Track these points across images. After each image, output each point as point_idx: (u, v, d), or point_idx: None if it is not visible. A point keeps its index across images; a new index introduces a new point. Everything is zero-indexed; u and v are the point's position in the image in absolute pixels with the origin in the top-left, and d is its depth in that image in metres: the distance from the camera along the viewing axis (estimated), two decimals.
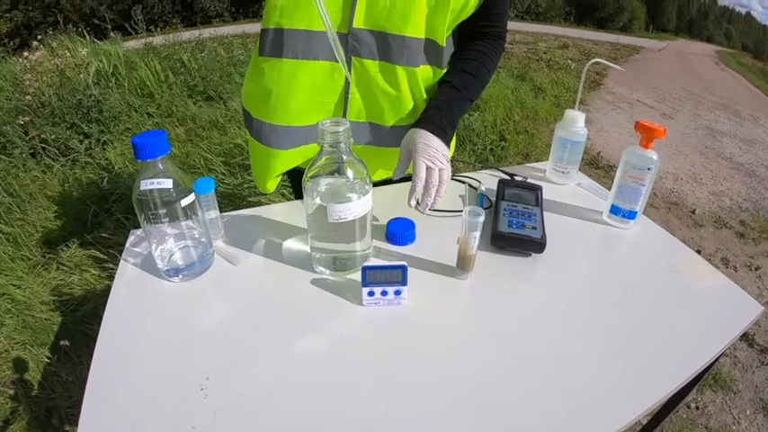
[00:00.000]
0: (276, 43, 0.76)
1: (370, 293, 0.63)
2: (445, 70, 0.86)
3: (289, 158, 0.87)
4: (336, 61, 0.75)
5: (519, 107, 4.12)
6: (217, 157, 2.63)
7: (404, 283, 0.62)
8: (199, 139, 2.89)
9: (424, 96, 0.85)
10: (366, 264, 0.62)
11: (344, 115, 0.82)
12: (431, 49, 0.80)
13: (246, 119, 0.90)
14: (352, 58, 0.77)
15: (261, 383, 0.52)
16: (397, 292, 0.63)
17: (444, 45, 0.81)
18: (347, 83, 0.79)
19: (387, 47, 0.76)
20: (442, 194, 0.76)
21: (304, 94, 0.79)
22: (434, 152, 0.75)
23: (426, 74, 0.83)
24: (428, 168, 0.75)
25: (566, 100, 4.69)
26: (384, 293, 0.63)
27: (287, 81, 0.78)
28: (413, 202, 0.76)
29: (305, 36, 0.74)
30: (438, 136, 0.77)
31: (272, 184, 0.92)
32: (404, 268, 0.61)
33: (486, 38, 0.87)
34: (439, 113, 0.81)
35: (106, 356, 0.55)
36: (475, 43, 0.87)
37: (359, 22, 0.73)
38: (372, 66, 0.77)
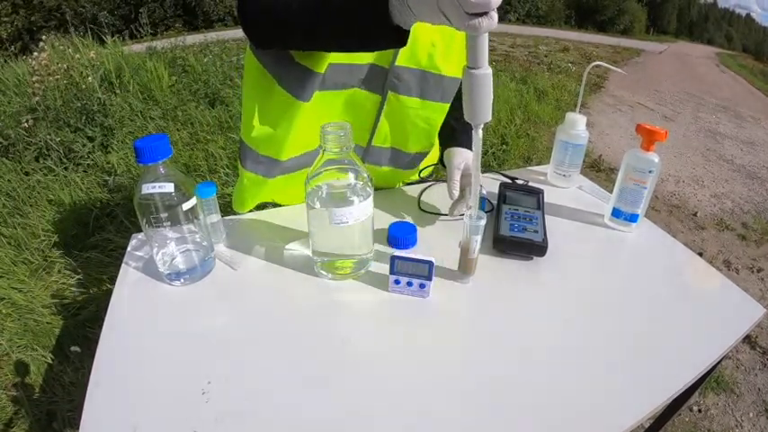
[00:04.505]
0: (320, 80, 0.71)
1: (397, 282, 0.65)
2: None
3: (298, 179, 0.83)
4: (371, 91, 0.76)
5: (520, 110, 4.13)
6: (220, 160, 2.64)
7: (429, 278, 0.63)
8: (202, 143, 2.89)
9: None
10: (396, 253, 0.63)
11: (370, 141, 0.83)
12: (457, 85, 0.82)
13: (258, 163, 0.81)
14: (389, 92, 0.77)
15: (262, 387, 0.52)
16: (422, 286, 0.64)
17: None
18: (379, 112, 0.79)
19: (425, 84, 0.78)
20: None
21: (337, 117, 0.78)
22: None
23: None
24: None
25: (567, 103, 4.69)
26: (409, 284, 0.65)
27: (324, 110, 0.76)
28: (458, 213, 0.81)
29: (348, 70, 0.73)
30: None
31: (252, 205, 0.88)
32: (430, 264, 0.62)
33: None
34: (466, 128, 0.83)
35: (107, 360, 0.55)
36: None
37: (402, 59, 0.74)
38: (408, 101, 0.79)
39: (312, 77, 0.69)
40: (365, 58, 0.72)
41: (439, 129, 0.87)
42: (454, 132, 0.87)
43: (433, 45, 0.73)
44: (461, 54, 0.74)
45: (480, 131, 0.57)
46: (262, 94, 0.75)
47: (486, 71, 0.50)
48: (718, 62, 12.96)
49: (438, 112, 0.83)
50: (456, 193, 0.80)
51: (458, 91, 0.83)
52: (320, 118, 0.73)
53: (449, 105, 0.84)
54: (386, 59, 0.73)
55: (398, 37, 0.52)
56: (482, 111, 0.53)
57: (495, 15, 0.44)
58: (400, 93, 0.77)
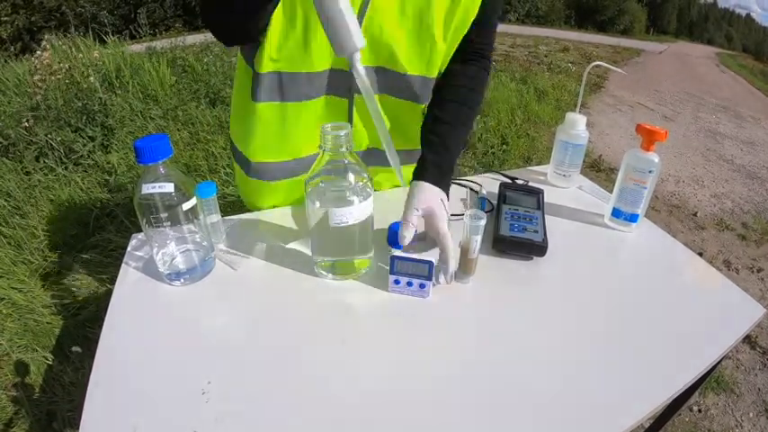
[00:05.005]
0: (275, 89, 0.72)
1: (397, 282, 0.64)
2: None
3: (291, 187, 0.86)
4: (339, 96, 0.75)
5: (520, 110, 4.13)
6: (220, 160, 2.64)
7: (429, 278, 0.63)
8: (202, 142, 2.89)
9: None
10: (395, 253, 0.63)
11: None
12: (429, 85, 0.79)
13: (240, 160, 0.86)
14: (355, 95, 0.76)
15: (262, 387, 0.52)
16: (422, 286, 0.64)
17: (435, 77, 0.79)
18: (350, 113, 0.78)
19: (385, 80, 0.76)
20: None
21: (308, 129, 0.79)
22: (447, 212, 0.68)
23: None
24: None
25: (567, 103, 4.69)
26: (409, 284, 0.64)
27: (291, 123, 0.76)
28: (448, 280, 0.66)
29: (306, 79, 0.72)
30: (445, 189, 0.70)
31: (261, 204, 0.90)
32: (430, 264, 0.62)
33: (472, 58, 0.78)
34: (439, 160, 0.72)
35: (107, 360, 0.55)
36: (460, 66, 0.78)
37: (362, 60, 0.70)
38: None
39: (267, 84, 0.71)
40: (321, 65, 0.71)
41: (417, 129, 0.81)
42: (423, 162, 0.72)
43: (396, 43, 0.71)
44: (426, 53, 0.73)
45: (360, 67, 0.47)
46: (246, 96, 0.77)
47: None
48: (718, 62, 12.95)
49: (405, 109, 0.80)
50: (407, 238, 0.64)
51: (430, 101, 0.81)
52: (296, 128, 0.76)
53: (418, 106, 0.81)
54: (344, 62, 0.70)
55: None
56: (345, 36, 0.44)
57: None
58: None
